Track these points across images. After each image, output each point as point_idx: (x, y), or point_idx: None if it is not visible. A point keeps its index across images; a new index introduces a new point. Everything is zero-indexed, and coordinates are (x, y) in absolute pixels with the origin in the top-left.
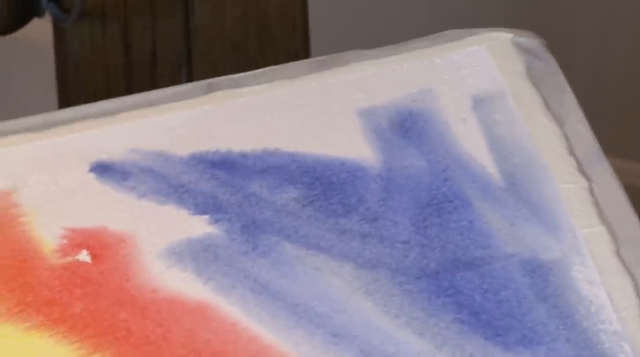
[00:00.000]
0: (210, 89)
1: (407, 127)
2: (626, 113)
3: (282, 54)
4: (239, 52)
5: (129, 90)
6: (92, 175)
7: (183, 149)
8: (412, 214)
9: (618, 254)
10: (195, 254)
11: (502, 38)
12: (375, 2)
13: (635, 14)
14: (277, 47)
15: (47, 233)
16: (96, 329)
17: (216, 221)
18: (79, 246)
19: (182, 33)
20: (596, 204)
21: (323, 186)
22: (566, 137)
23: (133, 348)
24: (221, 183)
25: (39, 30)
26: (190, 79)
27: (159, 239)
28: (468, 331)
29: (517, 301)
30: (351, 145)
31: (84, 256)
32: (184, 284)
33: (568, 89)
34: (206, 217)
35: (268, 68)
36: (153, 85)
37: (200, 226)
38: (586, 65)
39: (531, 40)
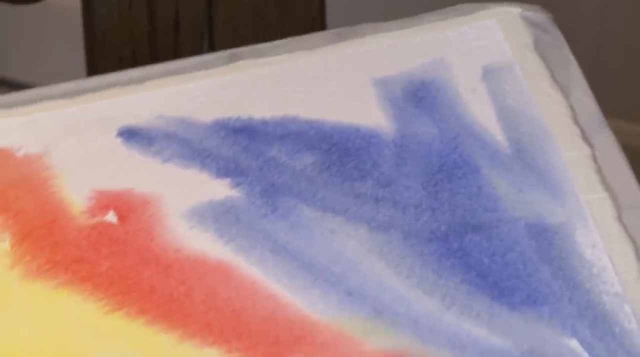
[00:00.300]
0: (232, 59)
1: (419, 96)
2: (626, 78)
3: (300, 22)
4: (258, 20)
5: (153, 57)
6: (119, 140)
7: (206, 115)
8: (424, 179)
9: (620, 219)
10: (217, 216)
11: (511, 12)
12: None
13: None
14: (294, 15)
15: (76, 195)
16: (121, 286)
17: (237, 185)
18: (106, 207)
19: (204, 1)
20: (599, 171)
21: (339, 152)
22: (571, 108)
23: (156, 305)
24: (242, 148)
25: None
26: (212, 46)
27: (183, 201)
28: (475, 291)
29: (523, 263)
30: (366, 113)
31: (111, 217)
32: (206, 245)
33: (573, 61)
34: (228, 180)
35: (288, 39)
36: (176, 52)
37: (221, 189)
38: (588, 37)
39: (538, 15)
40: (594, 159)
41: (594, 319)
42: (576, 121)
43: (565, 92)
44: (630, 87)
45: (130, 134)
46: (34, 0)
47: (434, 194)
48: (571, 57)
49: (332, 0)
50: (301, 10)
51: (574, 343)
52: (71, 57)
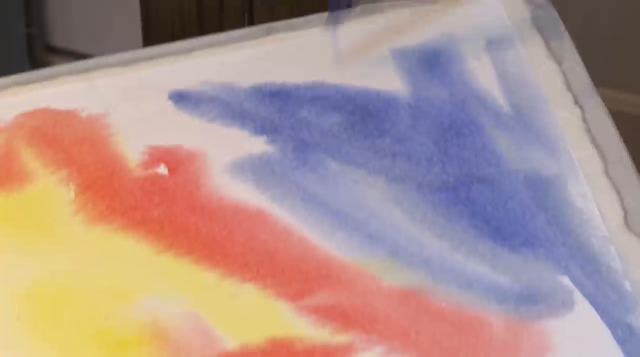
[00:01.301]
0: (269, 32)
1: (432, 64)
2: (612, 51)
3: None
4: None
5: (200, 32)
6: (170, 102)
7: (245, 81)
8: (435, 137)
9: (606, 173)
10: (254, 169)
11: None
12: None
13: None
14: None
15: (131, 150)
16: (170, 230)
17: (272, 141)
18: (158, 161)
19: None
20: (588, 130)
21: (362, 113)
22: (564, 74)
23: (201, 246)
24: (277, 109)
25: None
26: (251, 21)
27: (225, 156)
28: (480, 235)
29: (522, 210)
30: (386, 79)
31: (162, 169)
32: (244, 194)
33: (566, 34)
34: (264, 138)
35: (318, 14)
36: (220, 28)
37: (259, 146)
38: (578, 13)
39: None
40: (584, 120)
41: (583, 260)
42: (568, 87)
43: (558, 61)
44: (616, 58)
45: (179, 98)
46: None
47: (444, 150)
48: (564, 31)
49: None
50: None
51: (566, 280)
52: (129, 31)
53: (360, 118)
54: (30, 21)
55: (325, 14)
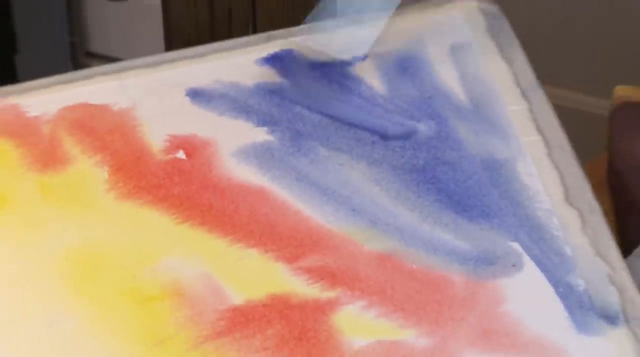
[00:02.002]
0: (269, 39)
1: (405, 66)
2: (553, 54)
3: None
4: (288, 10)
5: (212, 39)
6: (187, 98)
7: (250, 80)
8: (408, 128)
9: (549, 155)
10: (257, 154)
11: (470, 5)
12: None
13: None
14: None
15: (155, 138)
16: (188, 205)
17: (272, 131)
18: (177, 147)
19: None
20: (534, 120)
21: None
22: (514, 74)
23: (214, 218)
24: (276, 105)
25: None
26: (255, 30)
27: (233, 143)
28: (444, 208)
29: (479, 187)
30: (367, 78)
31: (181, 154)
32: (249, 175)
33: (515, 40)
34: (265, 128)
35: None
36: (229, 35)
37: (261, 135)
38: (525, 22)
39: (490, 6)
40: (531, 111)
41: (530, 228)
42: (517, 84)
43: (509, 63)
44: (557, 60)
45: (195, 94)
46: None
47: (414, 138)
48: (514, 37)
49: None
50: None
51: (516, 245)
52: (153, 39)
53: (345, 112)
54: (72, 32)
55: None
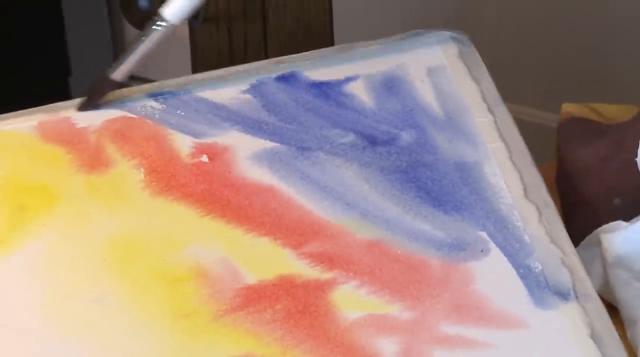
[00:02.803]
0: (278, 63)
1: (389, 85)
2: (514, 75)
3: (318, 41)
4: (294, 41)
5: (231, 64)
6: (211, 113)
7: (262, 98)
8: (392, 136)
9: (511, 159)
10: (268, 158)
11: (444, 34)
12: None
13: (520, 20)
14: (315, 37)
15: (183, 145)
16: (210, 200)
17: (280, 140)
18: (201, 152)
19: (261, 30)
20: (498, 129)
21: (341, 119)
22: (481, 91)
23: (232, 211)
24: (283, 118)
25: (181, 29)
26: (266, 57)
27: (247, 149)
28: (424, 203)
29: (452, 185)
30: (358, 95)
31: (204, 158)
32: (261, 175)
33: (482, 64)
34: (274, 137)
35: (312, 51)
36: (245, 61)
37: (271, 143)
38: (490, 48)
39: (461, 36)
40: (495, 123)
41: (495, 220)
42: (484, 99)
43: (477, 82)
44: (516, 81)
45: (215, 108)
46: None
47: (398, 144)
48: (481, 62)
49: (337, 29)
50: (319, 35)
51: (484, 234)
52: (182, 63)
53: (340, 123)
54: (117, 58)
55: (317, 51)
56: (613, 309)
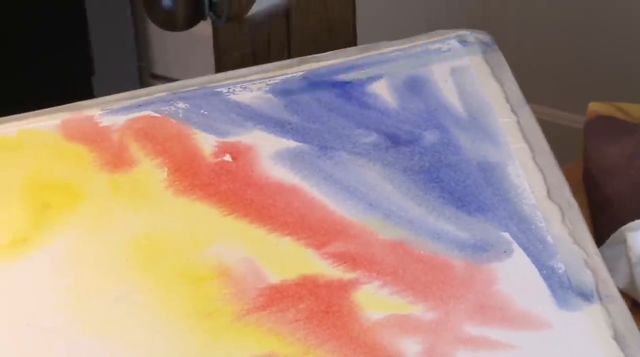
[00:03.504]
0: (301, 62)
1: (413, 85)
2: (539, 77)
3: (342, 41)
4: (317, 40)
5: (254, 63)
6: (233, 111)
7: (284, 95)
8: (416, 134)
9: (534, 159)
10: (291, 157)
11: (468, 34)
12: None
13: (544, 20)
14: (338, 37)
15: (206, 144)
16: (233, 200)
17: (303, 138)
18: (224, 152)
19: (284, 29)
20: (521, 130)
21: (364, 118)
22: (504, 92)
23: (255, 211)
24: (306, 117)
25: (204, 28)
26: (289, 56)
27: (270, 148)
28: (447, 203)
29: (475, 186)
30: (382, 95)
31: (227, 157)
32: (284, 175)
33: (506, 64)
34: (297, 136)
35: (335, 51)
36: (268, 61)
37: (294, 142)
38: (514, 48)
39: (485, 35)
40: (519, 123)
41: (518, 220)
42: (507, 100)
43: (500, 82)
44: (540, 82)
45: (239, 108)
46: (184, 28)
47: (422, 144)
48: (504, 62)
49: (360, 29)
50: (342, 34)
51: (507, 235)
52: (206, 63)
53: (363, 123)
54: (140, 57)
55: (340, 51)
56: (639, 306)
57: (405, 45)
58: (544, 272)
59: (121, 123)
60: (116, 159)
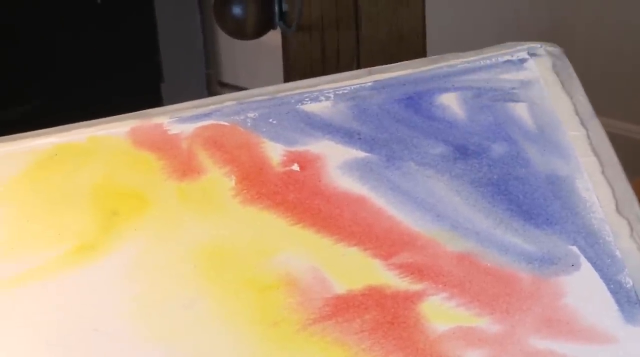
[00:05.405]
0: (370, 73)
1: (482, 97)
2: (610, 90)
3: (411, 52)
4: (386, 51)
5: (323, 73)
6: (303, 122)
7: (354, 108)
8: (484, 146)
9: (603, 173)
10: (359, 167)
11: (538, 47)
12: (465, 28)
13: (614, 32)
14: (408, 48)
15: (274, 153)
16: (300, 209)
17: (371, 149)
18: (292, 161)
19: (354, 39)
20: (590, 143)
21: (433, 131)
22: (574, 104)
23: (322, 220)
24: (375, 127)
25: (273, 38)
26: (358, 66)
27: (338, 158)
28: (515, 216)
29: (544, 199)
30: (450, 106)
31: (295, 167)
32: (351, 185)
33: (575, 77)
34: (365, 146)
35: (403, 62)
36: (338, 70)
37: (362, 152)
38: (584, 63)
39: (554, 48)
40: (588, 136)
41: (587, 234)
42: (577, 113)
43: (570, 95)
44: (610, 95)
45: (307, 117)
46: (253, 37)
47: (490, 156)
48: (574, 75)
49: (430, 40)
50: (412, 45)
51: (575, 249)
52: (274, 72)
53: (431, 134)
54: (208, 65)
55: (408, 62)
56: None
57: (475, 57)
58: (612, 286)
59: (190, 131)
60: (184, 167)
